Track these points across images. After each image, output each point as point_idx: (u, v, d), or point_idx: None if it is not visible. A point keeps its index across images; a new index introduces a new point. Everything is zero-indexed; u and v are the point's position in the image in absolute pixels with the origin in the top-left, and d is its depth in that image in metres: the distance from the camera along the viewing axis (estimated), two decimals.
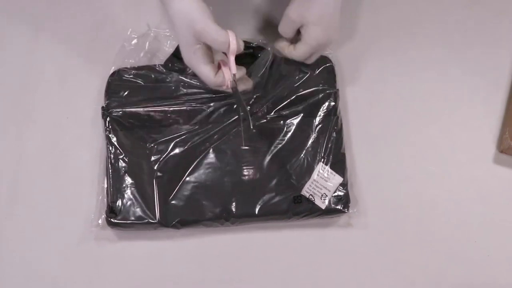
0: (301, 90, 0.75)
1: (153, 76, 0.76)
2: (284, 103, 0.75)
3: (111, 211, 0.72)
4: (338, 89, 0.76)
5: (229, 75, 0.68)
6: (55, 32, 0.82)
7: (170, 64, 0.76)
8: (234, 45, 0.65)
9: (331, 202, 0.73)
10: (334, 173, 0.73)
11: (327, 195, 0.73)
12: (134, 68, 0.76)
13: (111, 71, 0.76)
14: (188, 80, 0.75)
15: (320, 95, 0.75)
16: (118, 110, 0.74)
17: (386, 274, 0.74)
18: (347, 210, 0.73)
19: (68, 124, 0.78)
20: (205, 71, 0.67)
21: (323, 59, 0.77)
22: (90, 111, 0.78)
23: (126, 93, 0.75)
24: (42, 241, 0.75)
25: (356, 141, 0.77)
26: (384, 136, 0.78)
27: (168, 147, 0.74)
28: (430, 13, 0.83)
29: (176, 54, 0.76)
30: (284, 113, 0.75)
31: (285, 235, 0.75)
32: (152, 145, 0.74)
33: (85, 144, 0.77)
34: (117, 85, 0.75)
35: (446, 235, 0.75)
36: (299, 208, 0.72)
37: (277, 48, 0.75)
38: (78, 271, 0.74)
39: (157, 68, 0.76)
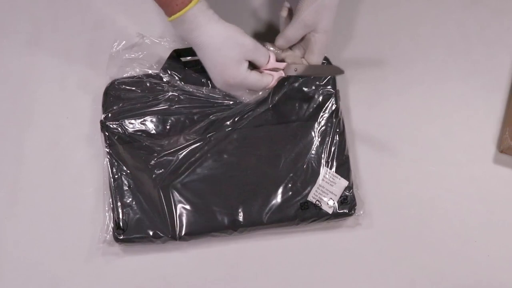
0: (301, 93, 0.75)
1: (149, 85, 0.74)
2: (286, 108, 0.75)
3: (118, 227, 0.71)
4: (338, 90, 0.76)
5: (278, 72, 0.71)
6: (55, 32, 0.82)
7: (168, 70, 0.74)
8: (273, 58, 0.70)
9: (338, 206, 0.72)
10: (339, 177, 0.73)
11: (333, 200, 0.72)
12: (130, 78, 0.75)
13: (107, 83, 0.75)
14: (186, 88, 0.74)
15: (321, 97, 0.75)
16: (117, 123, 0.73)
17: (388, 273, 0.74)
18: (354, 212, 0.72)
19: (68, 124, 0.78)
20: (256, 78, 0.69)
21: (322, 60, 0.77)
22: (90, 111, 0.78)
23: (123, 105, 0.74)
24: (42, 242, 0.74)
25: (358, 141, 0.77)
26: (384, 136, 0.78)
27: (171, 160, 0.73)
28: (430, 14, 0.83)
29: (172, 58, 0.75)
30: (286, 118, 0.75)
31: (291, 241, 0.74)
32: (155, 158, 0.73)
33: (85, 144, 0.77)
34: (114, 96, 0.74)
35: (446, 235, 0.75)
36: (307, 214, 0.72)
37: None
38: (80, 274, 0.74)
39: (154, 77, 0.75)
